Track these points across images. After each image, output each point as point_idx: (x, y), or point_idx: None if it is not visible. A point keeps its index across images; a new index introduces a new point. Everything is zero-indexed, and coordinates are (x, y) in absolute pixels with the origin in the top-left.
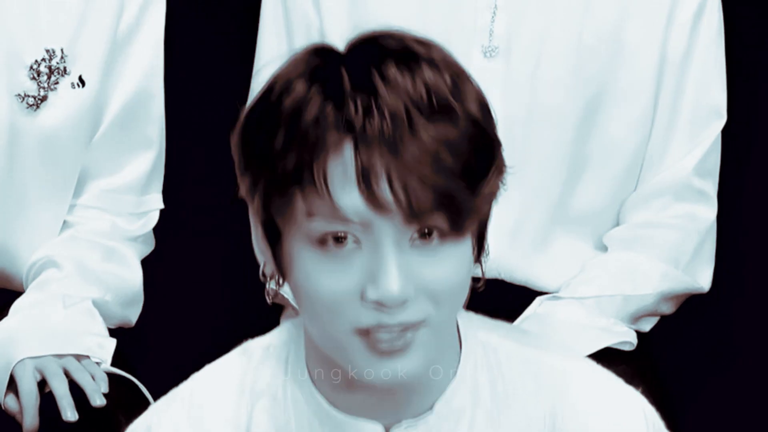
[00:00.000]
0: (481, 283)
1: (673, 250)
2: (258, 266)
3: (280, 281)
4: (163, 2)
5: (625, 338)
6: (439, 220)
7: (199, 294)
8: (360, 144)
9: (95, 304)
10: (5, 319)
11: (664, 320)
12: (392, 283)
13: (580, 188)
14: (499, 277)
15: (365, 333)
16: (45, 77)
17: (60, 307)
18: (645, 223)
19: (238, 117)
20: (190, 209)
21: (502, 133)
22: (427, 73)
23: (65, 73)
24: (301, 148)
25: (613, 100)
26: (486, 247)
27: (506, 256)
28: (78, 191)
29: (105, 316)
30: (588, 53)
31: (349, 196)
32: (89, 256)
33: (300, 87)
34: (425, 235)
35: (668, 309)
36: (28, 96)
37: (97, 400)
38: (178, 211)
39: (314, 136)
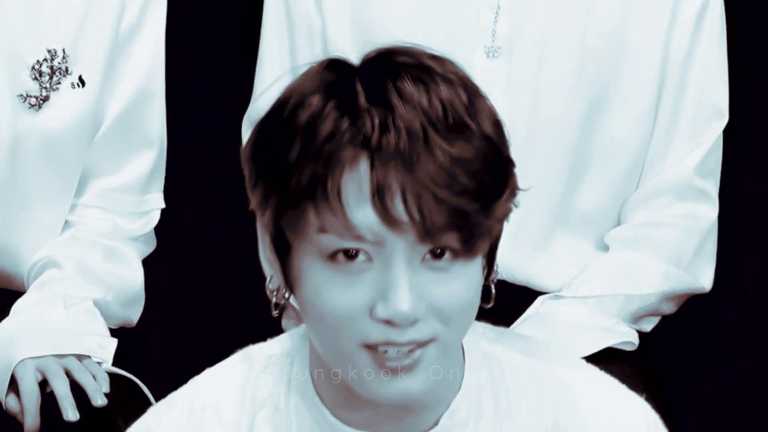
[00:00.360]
0: (491, 303)
1: (675, 249)
2: (259, 267)
3: (287, 294)
4: (163, 2)
5: (627, 338)
6: (452, 240)
7: (200, 294)
8: (376, 160)
9: (96, 304)
10: (6, 320)
11: (665, 320)
12: (403, 301)
13: (582, 188)
14: (501, 278)
15: (373, 347)
16: (47, 77)
17: (61, 307)
18: (646, 223)
19: (237, 119)
20: (190, 209)
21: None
22: (443, 90)
23: (67, 73)
24: (315, 162)
25: (616, 100)
26: (495, 266)
27: (508, 256)
28: (79, 191)
29: (106, 316)
30: (591, 53)
31: (363, 213)
32: (90, 256)
33: (316, 101)
34: (437, 254)
35: (669, 309)
36: (30, 96)
37: (99, 400)
38: (178, 211)
39: (329, 150)
